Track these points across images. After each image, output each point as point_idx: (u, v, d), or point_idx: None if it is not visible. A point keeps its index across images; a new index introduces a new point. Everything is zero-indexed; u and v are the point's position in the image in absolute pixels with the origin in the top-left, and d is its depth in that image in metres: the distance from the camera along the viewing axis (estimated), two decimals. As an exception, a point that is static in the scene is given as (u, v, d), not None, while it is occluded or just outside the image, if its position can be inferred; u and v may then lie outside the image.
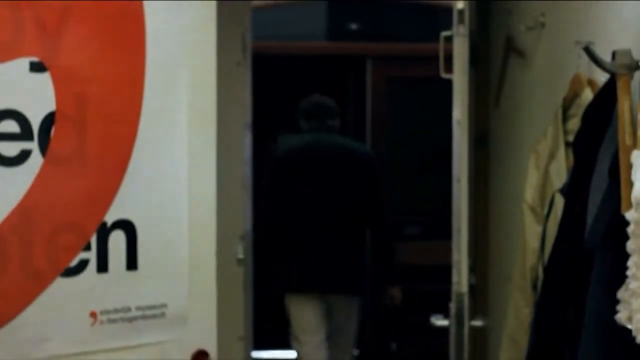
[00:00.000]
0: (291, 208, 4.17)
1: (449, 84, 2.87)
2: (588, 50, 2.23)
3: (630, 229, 1.90)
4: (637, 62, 2.12)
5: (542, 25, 3.10)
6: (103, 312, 2.25)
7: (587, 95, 2.46)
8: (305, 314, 4.18)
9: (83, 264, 2.21)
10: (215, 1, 2.49)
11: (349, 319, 4.28)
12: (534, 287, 2.74)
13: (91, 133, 2.21)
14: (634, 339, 1.89)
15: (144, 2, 2.30)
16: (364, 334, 4.79)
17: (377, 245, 4.40)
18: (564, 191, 2.46)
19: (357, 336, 4.44)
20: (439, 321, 2.87)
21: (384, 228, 4.35)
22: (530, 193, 2.78)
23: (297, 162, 4.22)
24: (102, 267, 2.24)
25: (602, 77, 2.28)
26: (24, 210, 2.12)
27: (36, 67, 2.13)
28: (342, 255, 4.13)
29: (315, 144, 4.25)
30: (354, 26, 6.74)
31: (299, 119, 4.39)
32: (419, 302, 5.39)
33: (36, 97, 2.14)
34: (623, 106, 2.05)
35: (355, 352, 4.40)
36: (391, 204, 5.69)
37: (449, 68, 2.84)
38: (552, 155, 2.68)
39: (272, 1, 5.78)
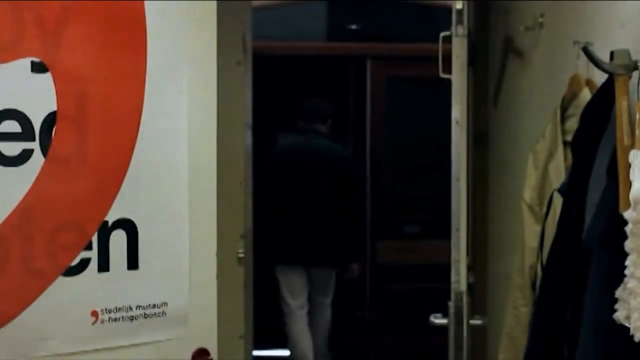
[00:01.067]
0: (282, 197, 5.23)
1: (448, 83, 2.88)
2: (586, 51, 2.24)
3: (628, 228, 1.91)
4: (635, 62, 2.13)
5: (541, 25, 3.11)
6: (104, 311, 2.26)
7: (586, 95, 2.47)
8: (290, 282, 5.37)
9: (84, 263, 2.22)
10: (215, 1, 2.49)
11: (327, 286, 5.47)
12: (533, 286, 2.75)
13: (92, 133, 2.22)
14: (632, 337, 1.90)
15: (145, 1, 2.31)
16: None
17: (348, 228, 5.33)
18: (563, 190, 2.47)
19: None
20: (438, 320, 2.88)
21: (355, 214, 5.42)
22: (528, 192, 2.79)
23: (286, 161, 5.30)
24: (103, 266, 2.24)
25: (600, 77, 2.29)
26: (26, 209, 2.13)
27: (37, 68, 2.14)
28: (321, 236, 5.20)
29: (302, 145, 5.31)
30: (353, 26, 6.75)
31: (297, 119, 5.40)
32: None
33: (37, 97, 2.14)
34: (621, 106, 2.06)
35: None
36: (388, 202, 5.79)
37: (447, 68, 2.85)
38: (550, 155, 2.69)
39: (272, 1, 5.79)
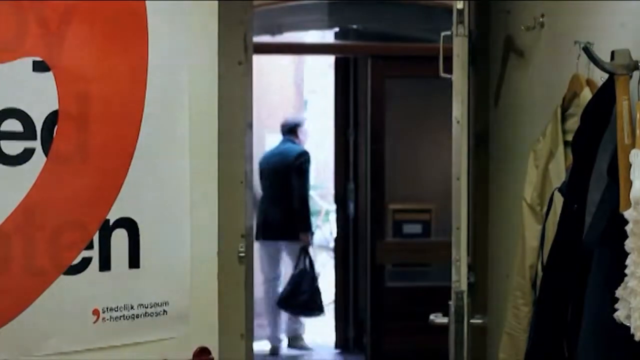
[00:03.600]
0: (262, 187, 6.87)
1: (448, 82, 2.88)
2: (587, 51, 2.25)
3: (628, 228, 1.91)
4: (636, 62, 2.14)
5: (542, 25, 3.11)
6: (105, 310, 2.26)
7: (586, 95, 2.47)
8: (263, 256, 6.89)
9: (86, 262, 2.22)
10: (217, 0, 2.50)
11: (292, 255, 6.88)
12: (533, 285, 2.75)
13: (94, 132, 2.23)
14: (632, 336, 1.90)
15: (146, 1, 2.31)
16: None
17: (296, 206, 6.76)
18: (563, 190, 2.48)
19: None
20: (439, 319, 2.88)
21: (301, 197, 6.79)
22: (529, 192, 2.79)
23: (262, 161, 6.87)
24: (105, 265, 2.25)
25: (601, 77, 2.29)
26: (27, 208, 2.13)
27: (39, 67, 2.15)
28: (283, 216, 6.77)
29: (273, 150, 7.07)
30: (355, 26, 6.76)
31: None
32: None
33: (39, 96, 2.15)
34: (622, 106, 2.06)
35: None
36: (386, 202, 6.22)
37: (448, 67, 2.85)
38: (551, 155, 2.69)
39: (273, 1, 5.79)
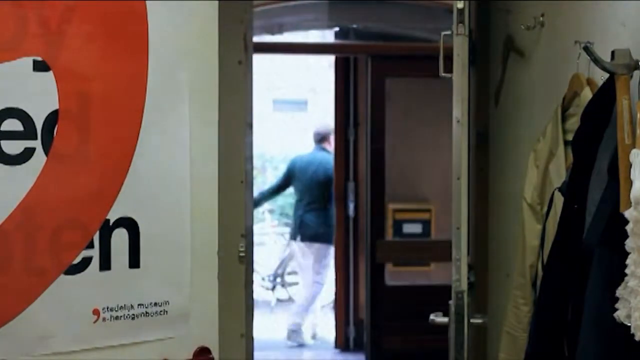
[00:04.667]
0: (296, 191, 7.49)
1: (448, 82, 2.88)
2: (587, 50, 2.25)
3: (629, 228, 1.91)
4: (636, 61, 2.14)
5: (542, 24, 3.12)
6: (105, 310, 2.26)
7: (587, 94, 2.47)
8: (300, 255, 7.62)
9: (86, 262, 2.22)
10: (217, 1, 2.50)
11: (324, 257, 7.49)
12: (533, 285, 2.75)
13: (94, 131, 2.22)
14: (632, 336, 1.91)
15: (147, 1, 2.31)
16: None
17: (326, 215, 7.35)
18: (564, 190, 2.48)
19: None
20: (439, 318, 2.88)
21: (329, 205, 7.30)
22: (529, 191, 2.80)
23: (297, 166, 7.43)
24: (105, 264, 2.25)
25: (601, 77, 2.29)
26: (28, 207, 2.13)
27: (39, 66, 2.14)
28: (319, 222, 7.36)
29: (309, 157, 7.46)
30: (355, 26, 6.76)
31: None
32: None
33: (39, 95, 2.15)
34: (622, 105, 2.07)
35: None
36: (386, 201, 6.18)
37: (448, 67, 2.85)
38: (551, 154, 2.69)
39: (273, 1, 5.79)
